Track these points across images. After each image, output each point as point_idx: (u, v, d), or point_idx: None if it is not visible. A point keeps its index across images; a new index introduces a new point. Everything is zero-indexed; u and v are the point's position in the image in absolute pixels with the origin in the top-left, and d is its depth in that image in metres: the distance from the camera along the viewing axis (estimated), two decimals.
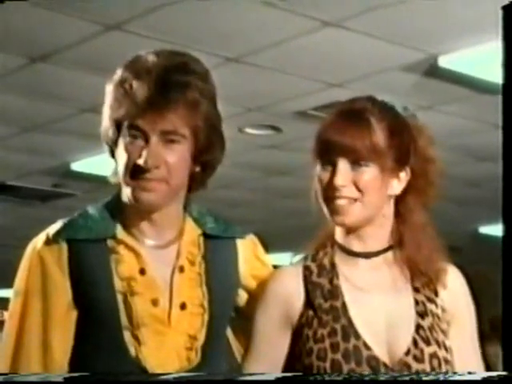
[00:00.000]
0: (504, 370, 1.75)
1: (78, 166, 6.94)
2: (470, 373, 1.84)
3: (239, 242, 1.98)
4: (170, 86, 1.77)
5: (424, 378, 1.77)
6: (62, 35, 4.40)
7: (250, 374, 1.86)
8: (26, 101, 5.45)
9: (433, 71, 4.83)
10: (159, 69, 1.79)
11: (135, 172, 1.80)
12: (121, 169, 1.83)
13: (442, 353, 1.85)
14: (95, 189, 7.19)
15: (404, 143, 1.87)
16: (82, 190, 7.62)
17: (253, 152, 6.60)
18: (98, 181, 6.93)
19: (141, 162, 1.78)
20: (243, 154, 6.44)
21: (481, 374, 1.85)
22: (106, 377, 1.82)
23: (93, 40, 4.42)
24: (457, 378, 1.80)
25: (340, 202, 1.83)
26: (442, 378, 1.78)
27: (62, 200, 7.95)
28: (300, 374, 1.84)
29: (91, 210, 1.90)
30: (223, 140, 1.89)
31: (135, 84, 1.78)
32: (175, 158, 1.80)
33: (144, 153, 1.78)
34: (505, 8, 1.85)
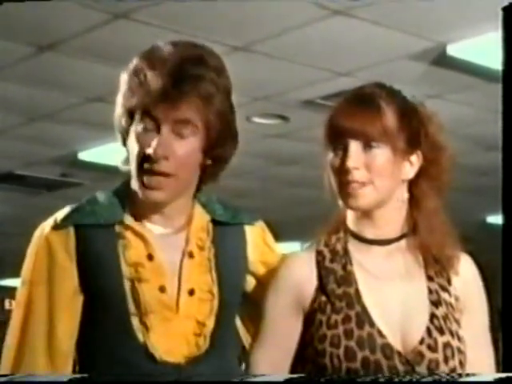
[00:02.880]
0: (504, 370, 1.75)
1: (85, 155, 6.95)
2: (472, 374, 1.83)
3: (248, 229, 1.98)
4: (184, 78, 1.77)
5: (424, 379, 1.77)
6: (70, 24, 4.40)
7: (259, 376, 1.85)
8: (33, 90, 5.45)
9: (441, 60, 4.81)
10: (174, 60, 1.79)
11: (144, 162, 1.80)
12: (132, 160, 1.83)
13: (455, 342, 1.85)
14: (102, 178, 7.19)
15: (413, 125, 1.88)
16: (90, 180, 7.63)
17: (260, 141, 6.59)
18: (106, 170, 6.94)
19: (150, 151, 1.78)
20: (251, 143, 6.43)
21: (486, 375, 1.84)
22: (110, 378, 1.82)
23: (100, 29, 4.42)
24: (463, 379, 1.80)
25: (353, 186, 1.83)
26: (444, 379, 1.78)
27: (69, 189, 7.96)
28: (309, 375, 1.84)
29: (100, 196, 1.90)
30: (236, 135, 1.89)
31: (149, 74, 1.78)
32: (185, 151, 1.80)
33: (154, 142, 1.78)
34: (505, 9, 1.84)
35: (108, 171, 6.91)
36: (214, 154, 1.85)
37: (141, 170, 1.81)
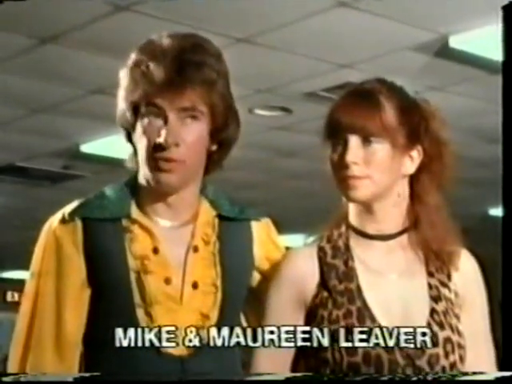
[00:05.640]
0: (504, 370, 1.75)
1: (87, 147, 6.95)
2: (476, 373, 1.84)
3: (254, 225, 2.00)
4: (187, 65, 1.80)
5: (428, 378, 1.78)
6: (72, 16, 4.40)
7: (259, 374, 1.86)
8: (35, 82, 5.45)
9: (444, 51, 4.81)
10: (175, 50, 1.82)
11: (155, 151, 1.82)
12: (142, 151, 1.85)
13: (455, 337, 1.85)
14: (105, 170, 7.20)
15: (413, 120, 1.88)
16: (92, 172, 7.63)
17: (263, 133, 6.59)
18: (108, 162, 6.94)
19: (161, 140, 1.81)
20: (253, 135, 6.43)
21: (488, 374, 1.85)
22: (116, 377, 1.83)
23: (102, 21, 4.42)
24: (464, 378, 1.80)
25: (352, 179, 1.84)
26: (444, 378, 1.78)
27: (71, 181, 7.97)
28: (309, 373, 1.84)
29: (107, 190, 1.92)
30: (238, 119, 1.92)
31: (152, 65, 1.81)
32: (194, 137, 1.83)
33: (163, 131, 1.81)
34: (505, 8, 1.84)
35: (110, 163, 6.91)
36: (219, 138, 1.88)
37: (152, 158, 1.83)
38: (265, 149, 7.11)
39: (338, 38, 4.68)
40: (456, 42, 4.67)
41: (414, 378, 1.78)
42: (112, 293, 1.86)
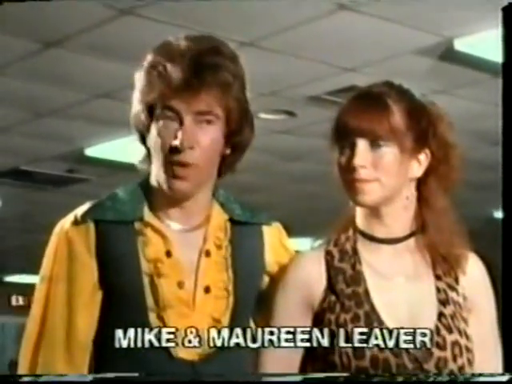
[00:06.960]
0: (505, 370, 1.75)
1: (92, 151, 6.95)
2: (485, 375, 1.84)
3: (265, 229, 1.99)
4: (204, 67, 1.80)
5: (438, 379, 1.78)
6: (76, 20, 4.40)
7: (269, 375, 1.86)
8: (40, 86, 5.46)
9: (448, 55, 4.80)
10: (193, 52, 1.82)
11: (171, 154, 1.81)
12: (156, 154, 1.85)
13: (463, 341, 1.85)
14: (109, 174, 7.20)
15: (422, 124, 1.88)
16: (96, 175, 7.64)
17: (267, 137, 6.59)
18: (112, 166, 6.95)
19: (177, 142, 1.80)
20: (257, 139, 6.40)
21: (498, 376, 1.85)
22: (126, 379, 1.83)
23: (107, 25, 4.42)
24: (475, 379, 1.80)
25: (359, 183, 1.84)
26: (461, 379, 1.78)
27: (76, 185, 7.97)
28: (322, 374, 1.84)
29: (120, 192, 1.92)
30: (253, 122, 1.94)
31: (169, 66, 1.81)
32: (209, 140, 1.83)
33: (179, 134, 1.81)
34: (504, 9, 1.84)
35: (115, 167, 6.92)
36: (233, 141, 1.89)
37: (168, 163, 1.83)
38: (269, 152, 7.11)
39: (342, 42, 4.68)
40: (461, 45, 4.67)
41: (424, 379, 1.78)
42: (124, 296, 1.85)
